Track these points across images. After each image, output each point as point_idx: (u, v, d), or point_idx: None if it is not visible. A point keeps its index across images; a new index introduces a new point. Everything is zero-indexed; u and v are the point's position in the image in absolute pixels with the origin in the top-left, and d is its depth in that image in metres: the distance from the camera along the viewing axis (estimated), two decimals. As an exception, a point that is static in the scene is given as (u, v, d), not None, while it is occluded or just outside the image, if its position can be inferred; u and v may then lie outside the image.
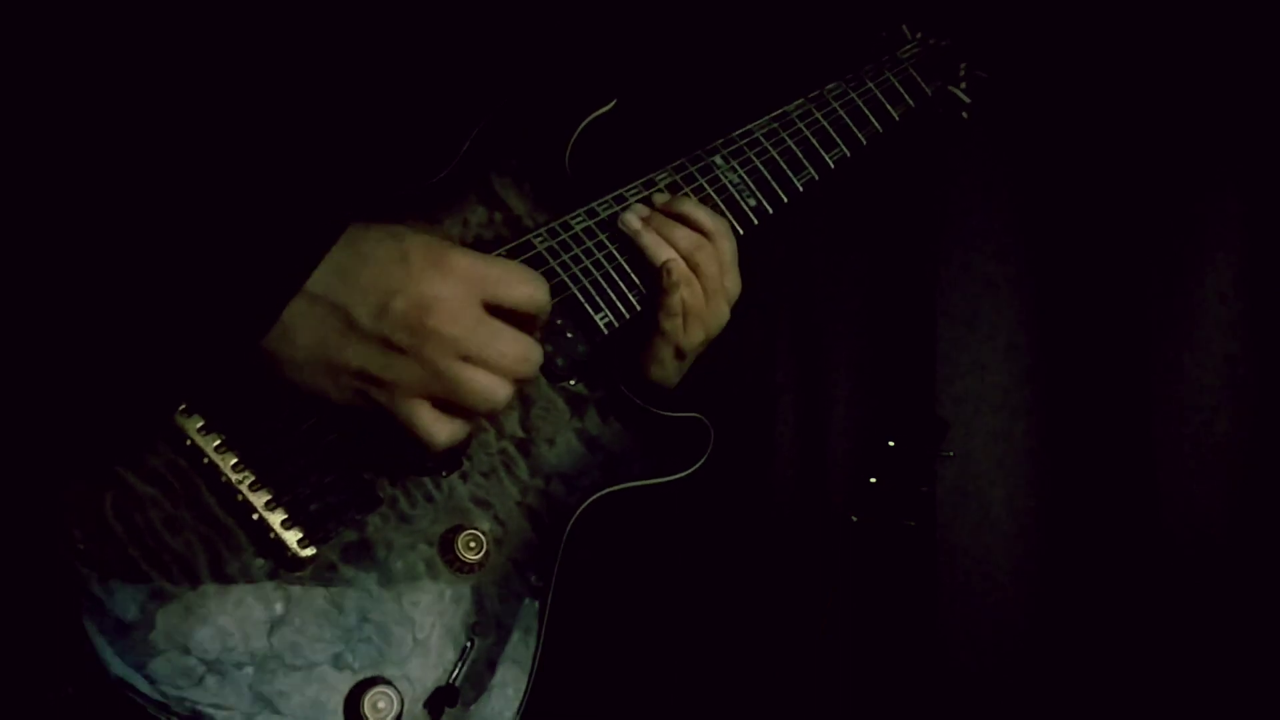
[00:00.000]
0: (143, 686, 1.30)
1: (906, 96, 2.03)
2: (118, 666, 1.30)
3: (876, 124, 1.98)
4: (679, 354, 1.74)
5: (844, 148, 1.93)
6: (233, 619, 1.36)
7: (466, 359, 1.38)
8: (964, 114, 2.15)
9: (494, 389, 1.40)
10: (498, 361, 1.40)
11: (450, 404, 1.40)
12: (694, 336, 1.73)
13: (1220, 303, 2.73)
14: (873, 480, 2.38)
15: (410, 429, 1.40)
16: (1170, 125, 2.71)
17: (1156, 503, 2.75)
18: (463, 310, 1.38)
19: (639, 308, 1.70)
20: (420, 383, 1.38)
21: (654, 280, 1.70)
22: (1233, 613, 2.70)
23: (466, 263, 1.41)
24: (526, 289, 1.45)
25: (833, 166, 1.91)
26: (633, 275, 1.69)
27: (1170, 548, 2.74)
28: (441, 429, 1.40)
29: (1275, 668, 2.65)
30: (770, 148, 1.86)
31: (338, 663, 1.40)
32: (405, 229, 1.41)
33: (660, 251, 1.69)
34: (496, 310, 1.42)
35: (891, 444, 2.39)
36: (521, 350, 1.42)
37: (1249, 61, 2.65)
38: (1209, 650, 2.71)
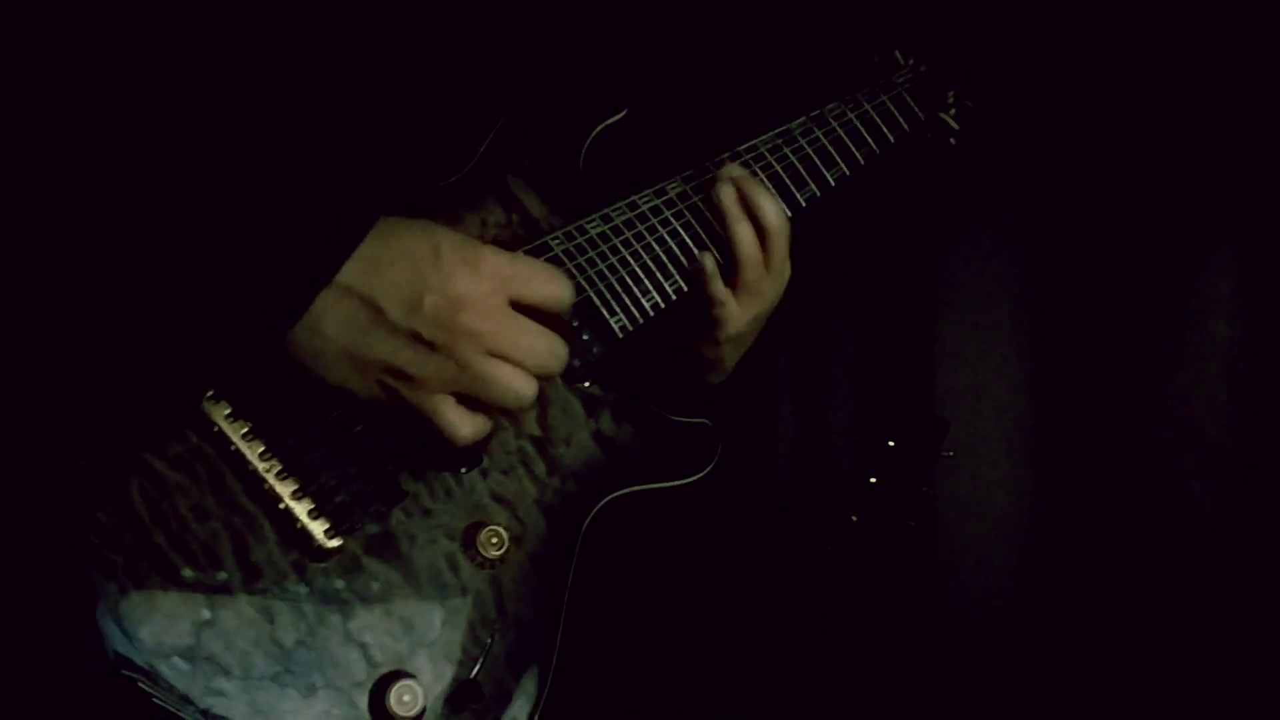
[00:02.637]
0: (162, 674, 1.31)
1: (900, 120, 2.05)
2: (136, 655, 1.30)
3: (873, 144, 2.00)
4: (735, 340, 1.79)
5: (843, 166, 1.95)
6: (257, 606, 1.37)
7: (494, 355, 1.40)
8: (951, 140, 2.18)
9: (521, 385, 1.42)
10: (525, 358, 1.42)
11: (475, 400, 1.42)
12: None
13: (1220, 302, 2.74)
14: (873, 480, 2.38)
15: (434, 424, 1.41)
16: (1170, 125, 2.71)
17: (1156, 502, 2.75)
18: (493, 308, 1.40)
19: (652, 313, 1.71)
20: (448, 378, 1.39)
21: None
22: (1234, 613, 2.71)
23: (496, 261, 1.42)
24: (552, 288, 1.47)
25: (833, 184, 1.94)
26: (646, 281, 1.71)
27: (1171, 547, 2.74)
28: (465, 425, 1.42)
29: (1275, 667, 2.66)
30: (774, 163, 1.88)
31: (363, 656, 1.41)
32: (435, 225, 1.44)
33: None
34: (521, 307, 1.44)
35: (891, 444, 2.39)
36: (547, 346, 1.44)
37: (1249, 61, 2.66)
38: (1209, 650, 2.72)
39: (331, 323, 1.36)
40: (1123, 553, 2.77)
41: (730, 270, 1.74)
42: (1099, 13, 2.64)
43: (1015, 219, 2.86)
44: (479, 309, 1.38)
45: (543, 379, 1.45)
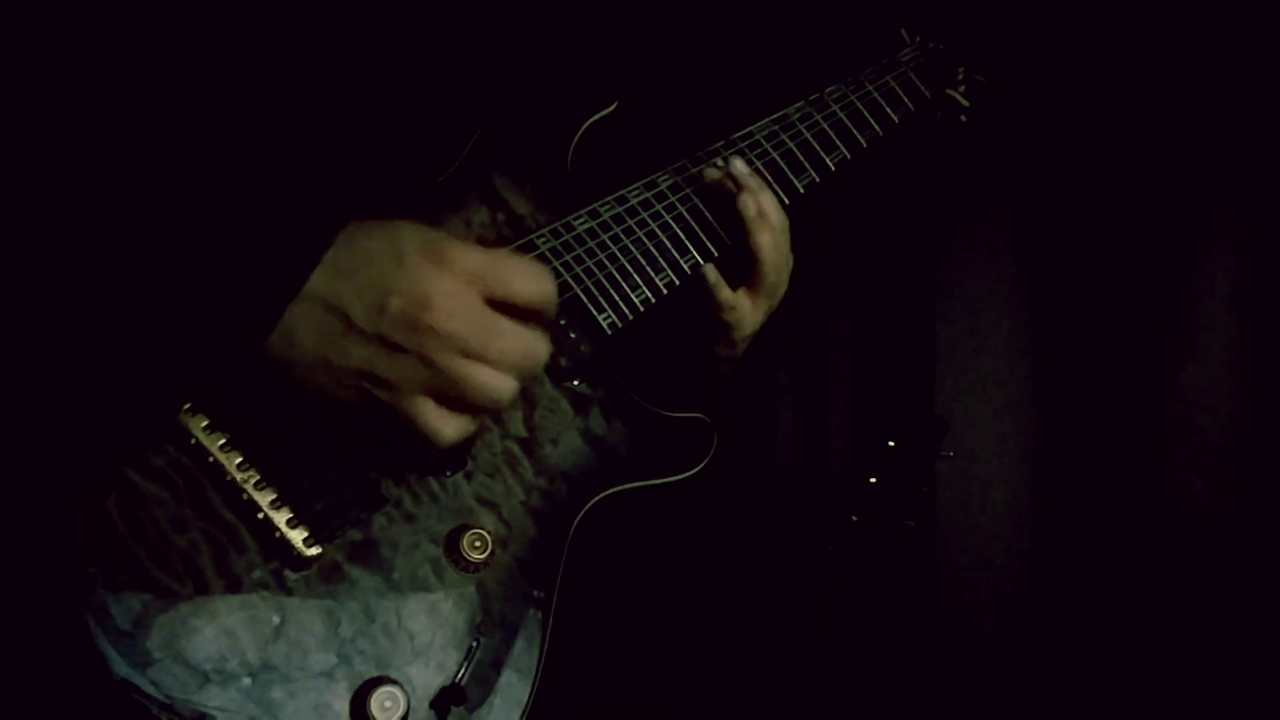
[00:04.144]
0: (146, 688, 1.30)
1: (906, 100, 2.04)
2: (121, 667, 1.29)
3: (876, 126, 1.98)
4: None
5: (844, 150, 1.94)
6: (237, 619, 1.36)
7: (468, 356, 1.36)
8: (962, 117, 2.16)
9: (497, 386, 1.38)
10: (500, 358, 1.38)
11: (454, 401, 1.39)
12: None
13: (1220, 301, 2.73)
14: (873, 480, 2.37)
15: (415, 427, 1.38)
16: (1170, 124, 2.70)
17: (1157, 502, 2.75)
18: (462, 306, 1.36)
19: (643, 309, 1.71)
20: (423, 381, 1.36)
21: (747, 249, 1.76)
22: (1234, 612, 2.70)
23: (466, 257, 1.38)
24: (531, 284, 1.42)
25: (833, 169, 1.92)
26: (636, 276, 1.70)
27: (1171, 547, 2.74)
28: (447, 426, 1.39)
29: (1276, 667, 2.65)
30: (771, 150, 1.87)
31: (344, 662, 1.40)
32: (402, 224, 1.40)
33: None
34: (500, 305, 1.40)
35: (891, 444, 2.38)
36: (525, 346, 1.40)
37: (1249, 61, 2.65)
38: (1210, 650, 2.71)
39: (303, 332, 1.35)
40: (1123, 552, 2.76)
41: (750, 275, 1.75)
42: (1098, 12, 2.64)
43: (1015, 218, 2.85)
44: (445, 308, 1.35)
45: (522, 378, 1.41)
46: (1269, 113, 2.66)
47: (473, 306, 1.37)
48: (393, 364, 1.36)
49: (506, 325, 1.39)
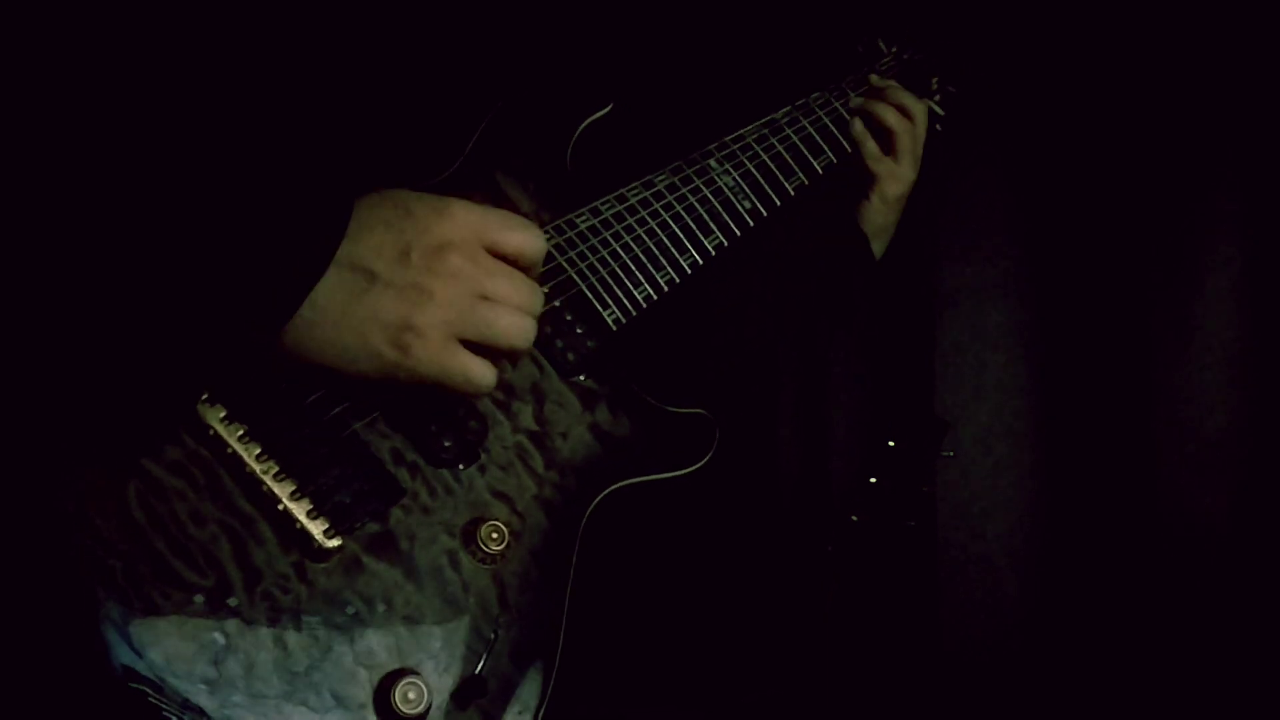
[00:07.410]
0: (163, 681, 1.29)
1: None
2: (141, 666, 1.28)
3: None
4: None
5: (830, 154, 2.01)
6: (257, 611, 1.35)
7: (489, 298, 1.41)
8: (938, 126, 2.22)
9: (522, 325, 1.43)
10: (516, 301, 1.43)
11: (482, 348, 1.42)
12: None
13: (1220, 301, 2.74)
14: (873, 480, 2.38)
15: (448, 374, 1.40)
16: (1170, 125, 2.72)
17: (1157, 501, 2.76)
18: (475, 252, 1.41)
19: (645, 305, 1.72)
20: (450, 322, 1.39)
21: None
22: (1234, 611, 2.71)
23: (467, 210, 1.43)
24: (524, 235, 1.46)
25: (820, 172, 1.98)
26: (637, 273, 1.71)
27: (1171, 547, 2.75)
28: (485, 369, 1.42)
29: (1276, 667, 2.66)
30: (761, 152, 1.91)
31: (366, 655, 1.39)
32: (401, 190, 1.44)
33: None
34: (497, 256, 1.45)
35: (891, 444, 2.39)
36: (530, 290, 1.45)
37: (1249, 61, 2.67)
38: (1209, 649, 2.72)
39: (327, 296, 1.36)
40: (1122, 551, 2.78)
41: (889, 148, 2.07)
42: (1100, 13, 2.65)
43: (1016, 220, 2.87)
44: (463, 251, 1.39)
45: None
46: (1269, 113, 2.68)
47: (481, 253, 1.42)
48: (420, 309, 1.38)
49: (512, 271, 1.44)
